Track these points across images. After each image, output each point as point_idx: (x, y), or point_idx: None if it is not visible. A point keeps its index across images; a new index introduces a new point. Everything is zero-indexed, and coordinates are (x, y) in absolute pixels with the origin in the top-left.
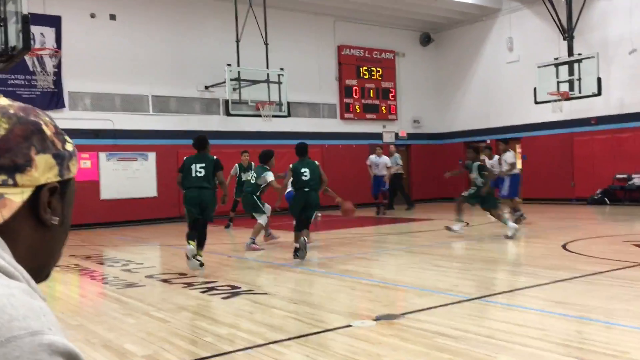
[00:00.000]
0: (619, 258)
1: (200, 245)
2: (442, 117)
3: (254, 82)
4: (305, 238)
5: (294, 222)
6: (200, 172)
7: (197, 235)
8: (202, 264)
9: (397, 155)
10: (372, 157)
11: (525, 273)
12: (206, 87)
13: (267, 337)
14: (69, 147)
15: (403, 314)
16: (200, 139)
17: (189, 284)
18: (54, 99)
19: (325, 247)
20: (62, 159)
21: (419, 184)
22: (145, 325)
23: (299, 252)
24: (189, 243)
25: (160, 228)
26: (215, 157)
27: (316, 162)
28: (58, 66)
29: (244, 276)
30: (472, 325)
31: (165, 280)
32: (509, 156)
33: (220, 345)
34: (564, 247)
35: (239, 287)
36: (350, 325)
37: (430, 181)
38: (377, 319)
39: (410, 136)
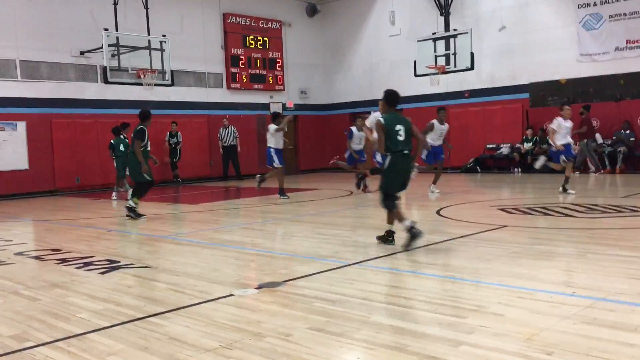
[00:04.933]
0: (485, 221)
1: (135, 195)
2: (329, 88)
3: (135, 48)
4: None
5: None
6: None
7: (136, 190)
8: (140, 215)
9: (232, 127)
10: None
11: (401, 238)
12: (81, 53)
13: (146, 310)
14: None
15: (285, 281)
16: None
17: (63, 260)
18: None
19: (209, 218)
20: None
21: (305, 155)
22: (13, 305)
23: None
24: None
25: (33, 202)
26: (133, 133)
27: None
28: None
29: (124, 250)
30: (350, 289)
31: (37, 257)
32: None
33: (96, 321)
34: (437, 212)
35: (118, 262)
36: (232, 295)
37: (316, 152)
38: (259, 287)
39: (298, 107)
